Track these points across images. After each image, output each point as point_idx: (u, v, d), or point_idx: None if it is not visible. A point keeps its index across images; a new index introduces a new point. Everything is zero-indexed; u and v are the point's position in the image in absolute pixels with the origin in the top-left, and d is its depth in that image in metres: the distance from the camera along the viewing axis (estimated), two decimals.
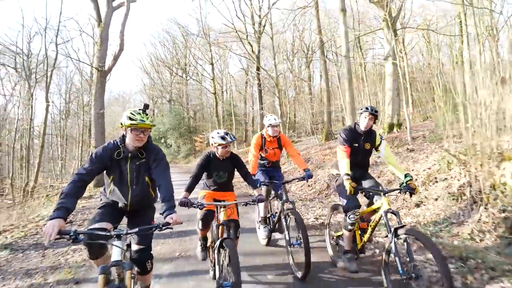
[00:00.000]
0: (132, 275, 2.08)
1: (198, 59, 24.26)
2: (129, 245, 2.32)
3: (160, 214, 2.07)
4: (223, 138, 2.94)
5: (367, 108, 3.06)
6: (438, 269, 2.15)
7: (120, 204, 2.35)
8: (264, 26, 16.99)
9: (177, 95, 28.34)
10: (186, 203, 2.66)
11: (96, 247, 2.08)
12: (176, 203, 2.26)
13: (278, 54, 19.55)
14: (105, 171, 2.31)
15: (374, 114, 3.03)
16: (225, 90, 26.75)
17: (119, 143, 2.28)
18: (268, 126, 3.91)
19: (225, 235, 2.65)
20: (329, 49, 19.03)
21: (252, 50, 17.14)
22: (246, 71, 24.66)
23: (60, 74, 22.30)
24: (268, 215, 3.99)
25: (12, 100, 21.01)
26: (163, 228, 1.94)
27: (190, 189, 2.90)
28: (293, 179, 3.99)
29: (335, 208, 3.55)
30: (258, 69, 17.79)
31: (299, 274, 3.02)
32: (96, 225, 2.08)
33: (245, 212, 4.92)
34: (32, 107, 15.23)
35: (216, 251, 2.60)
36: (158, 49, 27.15)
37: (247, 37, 17.77)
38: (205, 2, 37.89)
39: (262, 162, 4.11)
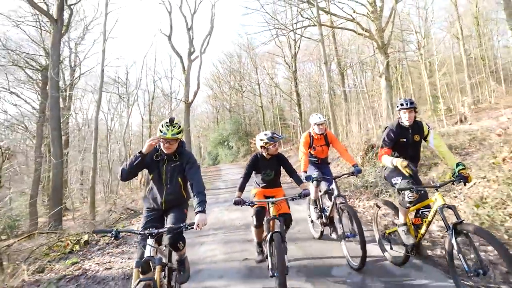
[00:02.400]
0: (168, 267, 2.51)
1: (249, 75, 30.01)
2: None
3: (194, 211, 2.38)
4: (272, 138, 3.18)
5: (401, 104, 2.97)
6: (504, 263, 2.08)
7: (157, 203, 2.68)
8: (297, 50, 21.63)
9: (235, 105, 34.31)
10: (239, 202, 2.94)
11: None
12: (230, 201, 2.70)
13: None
14: (147, 171, 2.72)
15: (411, 107, 2.93)
16: (274, 97, 31.87)
17: (158, 148, 2.67)
18: (314, 125, 4.05)
19: (276, 229, 2.90)
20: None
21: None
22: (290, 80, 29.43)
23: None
24: (320, 210, 4.05)
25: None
26: (188, 228, 2.28)
27: (241, 188, 3.18)
28: (343, 175, 3.99)
29: (382, 204, 3.51)
30: (295, 83, 22.53)
31: (355, 265, 3.12)
32: (146, 231, 2.31)
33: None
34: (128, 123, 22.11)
35: (268, 244, 2.84)
36: (218, 67, 33.40)
37: (284, 57, 22.66)
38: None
39: (311, 159, 4.22)
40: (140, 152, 2.55)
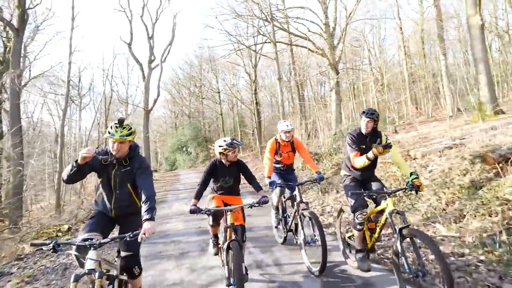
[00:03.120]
0: (120, 279, 2.35)
1: (209, 83, 30.31)
2: (118, 251, 2.49)
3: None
4: (231, 144, 3.13)
5: (363, 112, 3.13)
6: (438, 265, 2.23)
7: (107, 209, 2.52)
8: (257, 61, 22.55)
9: (195, 111, 34.21)
10: (195, 211, 2.83)
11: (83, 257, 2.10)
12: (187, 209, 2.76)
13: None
14: (97, 175, 2.54)
15: (371, 117, 3.06)
16: (234, 105, 32.44)
17: (108, 151, 2.49)
18: (281, 132, 4.09)
19: (232, 237, 2.81)
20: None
21: (250, 78, 22.75)
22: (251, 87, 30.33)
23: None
24: (283, 216, 4.17)
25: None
26: (133, 237, 2.10)
27: (198, 196, 3.07)
28: (306, 181, 4.17)
29: (343, 210, 3.65)
30: (255, 92, 23.38)
31: (315, 271, 3.14)
32: (86, 235, 2.18)
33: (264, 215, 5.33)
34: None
35: (225, 252, 2.81)
36: (178, 72, 33.12)
37: (244, 66, 23.43)
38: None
39: (277, 165, 4.27)
40: (76, 162, 2.34)
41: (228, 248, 2.76)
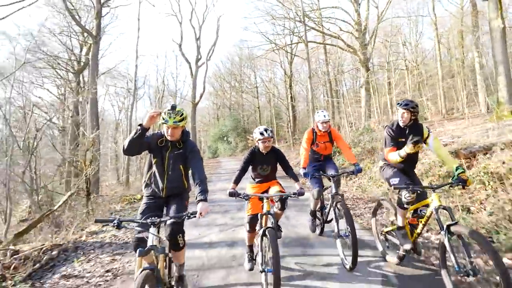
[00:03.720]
0: (168, 257, 2.48)
1: (248, 78, 32.38)
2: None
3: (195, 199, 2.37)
4: (261, 133, 3.20)
5: (399, 103, 3.01)
6: (494, 266, 2.07)
7: (158, 189, 2.67)
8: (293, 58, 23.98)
9: (235, 103, 36.53)
10: (233, 194, 2.92)
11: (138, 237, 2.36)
12: (226, 192, 2.88)
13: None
14: (152, 155, 2.71)
15: (406, 108, 2.93)
16: (271, 98, 34.11)
17: (163, 133, 2.68)
18: (318, 122, 4.00)
19: (268, 224, 2.86)
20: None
21: (286, 73, 24.28)
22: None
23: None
24: (319, 207, 4.11)
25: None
26: (191, 216, 2.22)
27: (237, 181, 3.16)
28: (343, 173, 4.04)
29: (380, 204, 3.55)
30: (290, 87, 24.91)
31: (347, 265, 3.09)
32: (148, 220, 2.24)
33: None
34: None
35: (259, 239, 2.83)
36: (220, 67, 35.66)
37: (281, 62, 25.01)
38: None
39: (315, 156, 4.19)
40: (140, 125, 2.47)
41: (264, 235, 2.78)
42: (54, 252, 4.36)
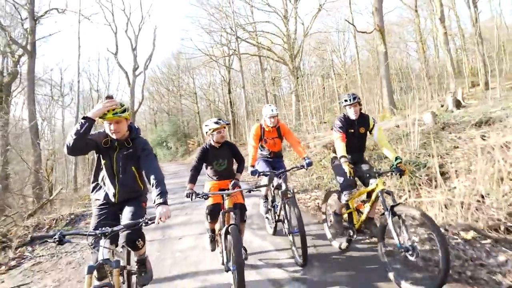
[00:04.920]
0: (125, 269, 2.27)
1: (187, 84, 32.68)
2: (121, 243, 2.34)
3: (153, 204, 2.09)
4: (216, 122, 3.13)
5: (345, 100, 3.13)
6: (435, 239, 2.20)
7: (110, 195, 2.37)
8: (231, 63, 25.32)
9: (173, 108, 36.15)
10: (191, 194, 2.77)
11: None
12: (183, 193, 2.72)
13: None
14: (100, 156, 2.38)
15: (354, 102, 3.07)
16: (211, 103, 34.81)
17: (107, 134, 2.33)
18: (266, 116, 3.87)
19: (231, 222, 2.79)
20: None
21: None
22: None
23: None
24: (272, 206, 4.03)
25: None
26: (149, 223, 1.97)
27: (193, 180, 3.05)
28: (292, 168, 3.90)
29: (329, 194, 3.68)
30: (229, 92, 26.20)
31: (299, 262, 3.10)
32: (97, 231, 1.97)
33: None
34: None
35: (223, 237, 2.74)
36: (157, 72, 34.99)
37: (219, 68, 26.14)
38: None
39: (264, 153, 4.10)
40: (85, 118, 2.17)
41: (227, 232, 2.68)
42: None
